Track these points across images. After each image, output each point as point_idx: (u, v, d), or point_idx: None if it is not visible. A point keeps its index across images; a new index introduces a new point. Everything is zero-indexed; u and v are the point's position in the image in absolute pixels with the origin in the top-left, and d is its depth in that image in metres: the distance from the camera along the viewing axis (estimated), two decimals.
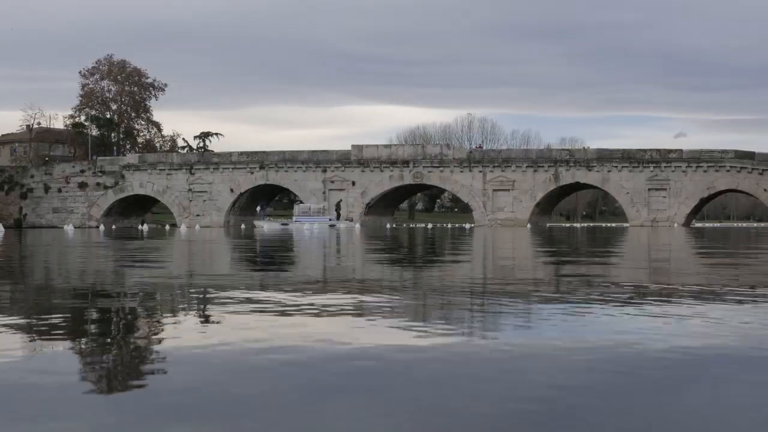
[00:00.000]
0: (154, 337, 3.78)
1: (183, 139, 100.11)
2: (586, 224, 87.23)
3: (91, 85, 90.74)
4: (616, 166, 60.70)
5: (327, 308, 4.85)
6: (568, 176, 62.14)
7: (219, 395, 2.37)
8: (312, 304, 5.11)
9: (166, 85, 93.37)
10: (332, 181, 65.54)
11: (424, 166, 64.32)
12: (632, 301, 5.35)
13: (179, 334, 3.85)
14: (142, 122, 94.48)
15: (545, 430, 2.07)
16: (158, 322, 4.41)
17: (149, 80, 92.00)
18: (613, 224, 79.15)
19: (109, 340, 3.72)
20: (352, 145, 66.71)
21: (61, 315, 4.68)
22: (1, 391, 2.50)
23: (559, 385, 2.57)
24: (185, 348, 3.32)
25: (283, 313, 4.63)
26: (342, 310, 4.84)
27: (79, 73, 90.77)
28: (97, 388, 2.61)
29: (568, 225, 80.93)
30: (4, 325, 4.07)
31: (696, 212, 63.62)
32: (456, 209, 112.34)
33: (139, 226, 61.40)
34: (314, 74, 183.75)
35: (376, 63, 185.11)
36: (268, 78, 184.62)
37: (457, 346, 3.39)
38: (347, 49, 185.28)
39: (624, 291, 6.07)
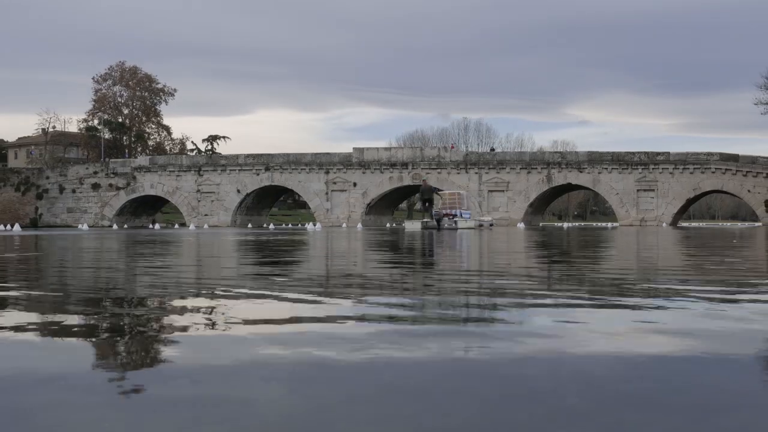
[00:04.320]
0: None
1: (192, 142, 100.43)
2: (576, 223, 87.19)
3: (103, 91, 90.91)
4: (606, 168, 60.74)
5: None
6: (560, 177, 62.15)
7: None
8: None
9: (175, 90, 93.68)
10: (335, 182, 65.57)
11: (422, 168, 64.35)
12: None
13: None
14: (153, 126, 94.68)
15: None
16: None
17: (159, 86, 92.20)
18: (604, 223, 79.10)
19: None
20: (354, 148, 66.74)
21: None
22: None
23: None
24: None
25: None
26: None
27: (93, 78, 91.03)
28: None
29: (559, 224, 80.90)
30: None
31: (683, 212, 63.63)
32: None
33: (150, 226, 61.39)
34: (316, 79, 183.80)
35: (376, 68, 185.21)
36: (273, 83, 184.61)
37: None
38: (349, 55, 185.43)
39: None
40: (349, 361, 2.29)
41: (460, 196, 43.66)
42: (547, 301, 3.97)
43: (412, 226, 38.42)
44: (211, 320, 3.25)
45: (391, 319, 3.31)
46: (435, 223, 37.35)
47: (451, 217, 38.85)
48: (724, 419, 1.67)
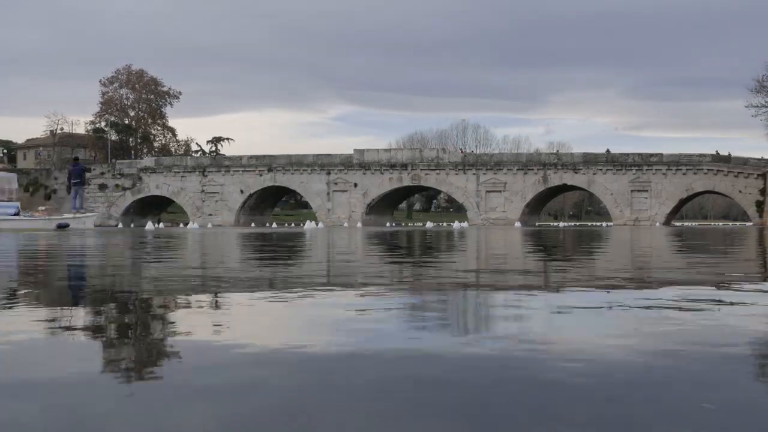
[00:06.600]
0: None
1: (196, 143, 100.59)
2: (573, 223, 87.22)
3: (110, 93, 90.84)
4: (601, 169, 60.79)
5: None
6: (556, 178, 62.19)
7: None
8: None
9: (180, 93, 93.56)
10: (336, 183, 65.59)
11: (421, 169, 64.38)
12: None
13: None
14: (158, 128, 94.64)
15: None
16: None
17: (165, 89, 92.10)
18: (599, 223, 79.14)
19: None
20: (355, 149, 66.78)
21: None
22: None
23: None
24: None
25: None
26: None
27: (100, 81, 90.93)
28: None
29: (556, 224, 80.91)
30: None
31: (675, 212, 63.69)
32: (451, 209, 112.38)
33: (156, 225, 61.33)
34: (319, 82, 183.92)
35: (378, 69, 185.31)
36: (276, 87, 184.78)
37: None
38: (350, 56, 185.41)
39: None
40: None
41: None
42: None
43: None
44: None
45: None
46: None
47: None
48: None
